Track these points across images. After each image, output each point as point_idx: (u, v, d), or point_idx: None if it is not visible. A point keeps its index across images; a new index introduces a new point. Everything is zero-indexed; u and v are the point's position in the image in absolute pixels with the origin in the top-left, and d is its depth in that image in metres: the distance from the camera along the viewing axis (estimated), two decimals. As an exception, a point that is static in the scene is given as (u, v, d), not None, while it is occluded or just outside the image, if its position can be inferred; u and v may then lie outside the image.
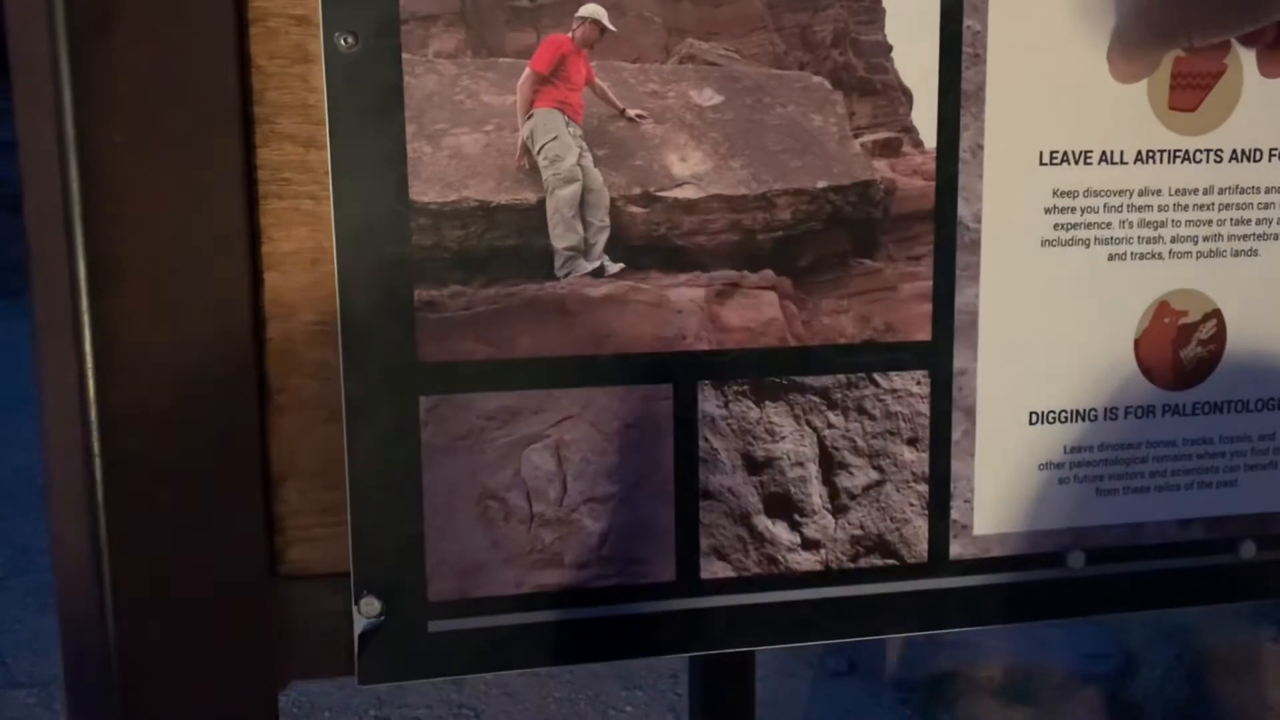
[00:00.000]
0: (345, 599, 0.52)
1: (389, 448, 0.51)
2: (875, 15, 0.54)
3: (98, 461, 0.47)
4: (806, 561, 0.56)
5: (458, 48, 0.50)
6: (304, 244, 0.50)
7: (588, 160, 0.52)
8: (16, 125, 0.47)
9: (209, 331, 0.49)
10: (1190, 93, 0.57)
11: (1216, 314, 0.59)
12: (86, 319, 0.45)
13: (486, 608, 0.53)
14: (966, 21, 0.54)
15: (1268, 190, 0.58)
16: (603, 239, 0.53)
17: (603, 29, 0.51)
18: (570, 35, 0.51)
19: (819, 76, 0.54)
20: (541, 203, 0.52)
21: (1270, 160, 0.58)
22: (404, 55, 0.49)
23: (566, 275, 0.52)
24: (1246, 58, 0.57)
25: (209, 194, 0.48)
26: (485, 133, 0.51)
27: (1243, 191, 0.58)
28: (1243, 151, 0.58)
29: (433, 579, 0.52)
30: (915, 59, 0.54)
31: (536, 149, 0.51)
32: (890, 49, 0.54)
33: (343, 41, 0.49)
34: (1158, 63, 0.53)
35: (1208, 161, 0.57)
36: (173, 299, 0.48)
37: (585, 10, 0.51)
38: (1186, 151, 0.57)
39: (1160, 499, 0.59)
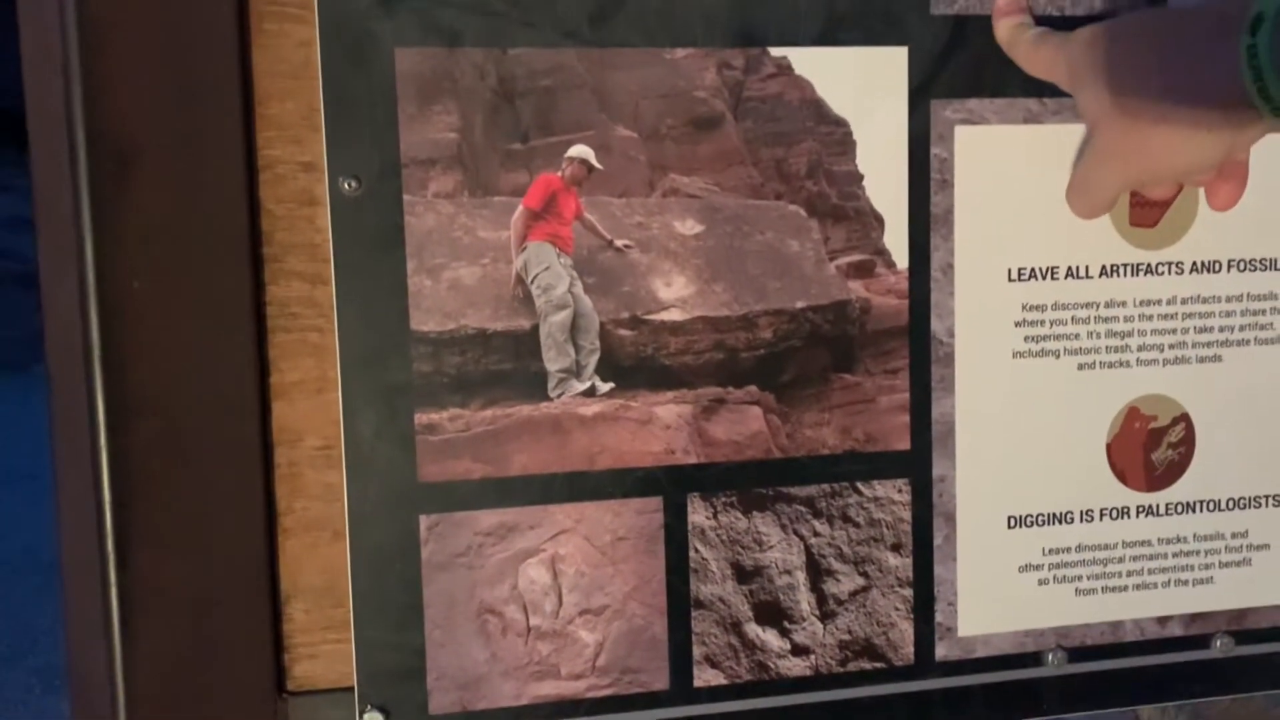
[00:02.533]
0: (350, 713, 0.53)
1: (391, 565, 0.54)
2: (846, 147, 0.57)
3: (114, 587, 0.50)
4: (797, 667, 0.58)
5: (455, 188, 0.53)
6: (310, 374, 0.53)
7: (578, 288, 0.55)
8: (40, 270, 0.50)
9: (219, 459, 0.52)
10: (1149, 210, 0.60)
11: (1185, 418, 0.61)
12: (105, 454, 0.48)
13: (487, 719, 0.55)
14: (934, 150, 0.58)
15: (1227, 299, 0.61)
16: (594, 361, 0.55)
17: (590, 168, 0.55)
18: (560, 174, 0.54)
19: (795, 205, 0.57)
20: (535, 329, 0.55)
21: (1229, 271, 0.61)
22: (405, 196, 0.53)
23: (560, 395, 0.55)
24: (1202, 175, 0.60)
25: (221, 331, 0.51)
26: (482, 265, 0.54)
27: (1204, 301, 0.61)
28: (1202, 263, 0.61)
29: (434, 692, 0.54)
30: (886, 186, 0.57)
31: (530, 279, 0.54)
32: (861, 178, 0.57)
33: (347, 185, 0.52)
34: (1114, 202, 0.56)
35: (1169, 274, 0.60)
36: (186, 431, 0.51)
37: (574, 151, 0.54)
38: (1149, 265, 0.60)
39: (1138, 597, 0.61)
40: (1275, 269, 0.61)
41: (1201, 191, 0.60)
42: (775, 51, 0.56)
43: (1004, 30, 0.57)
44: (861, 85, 0.57)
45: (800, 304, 0.57)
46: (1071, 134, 0.58)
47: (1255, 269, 0.61)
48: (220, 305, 0.51)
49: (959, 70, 0.57)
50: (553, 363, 0.55)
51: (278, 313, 0.53)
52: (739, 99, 0.56)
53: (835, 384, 0.58)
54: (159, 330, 0.50)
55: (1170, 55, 0.49)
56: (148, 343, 0.49)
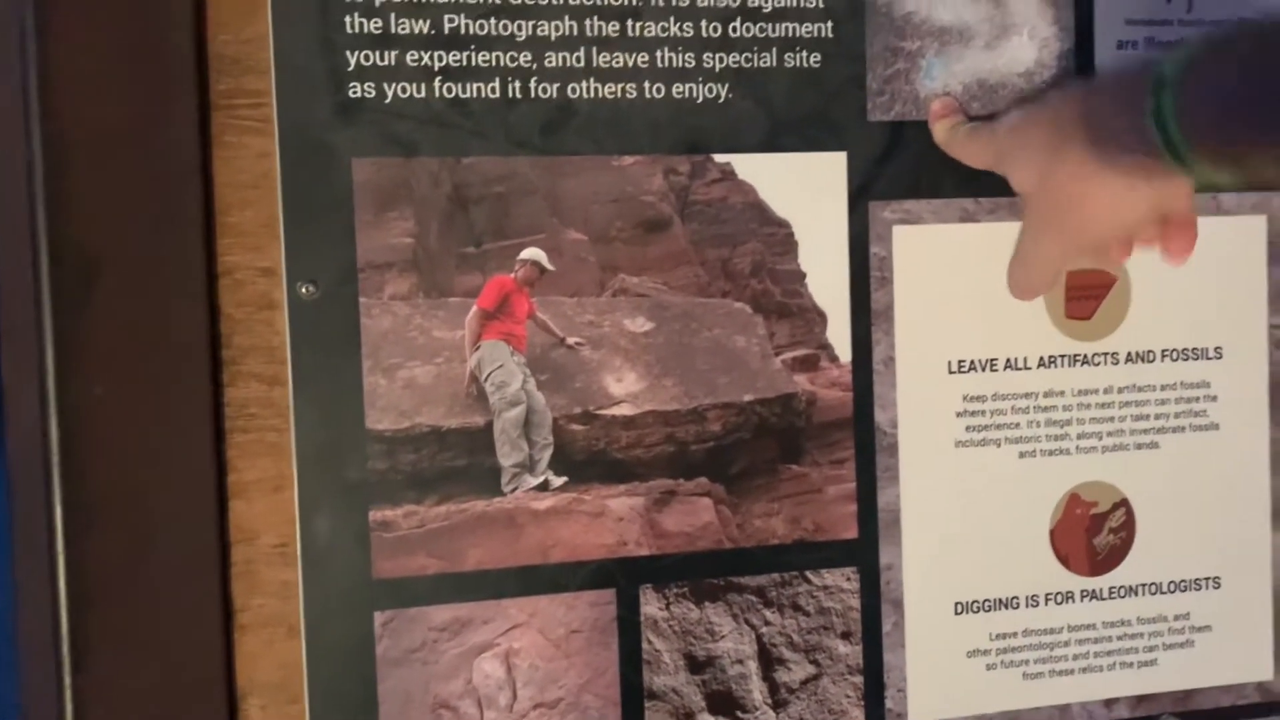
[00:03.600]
0: (304, 810, 0.54)
1: (346, 661, 0.54)
2: (789, 247, 0.59)
3: (69, 689, 0.50)
4: (749, 756, 0.59)
5: (411, 290, 0.55)
6: (267, 473, 0.54)
7: (531, 384, 0.57)
8: (3, 376, 0.51)
9: (177, 559, 0.53)
10: (1085, 303, 0.62)
11: (1125, 503, 0.63)
12: (62, 560, 0.49)
13: (440, 815, 0.55)
14: (873, 249, 0.60)
15: (1162, 387, 0.63)
16: (547, 455, 0.57)
17: (542, 269, 0.57)
18: (513, 276, 0.56)
19: (741, 303, 0.59)
20: (489, 425, 0.56)
21: (1162, 360, 0.63)
22: (361, 299, 0.55)
23: (513, 490, 0.56)
24: (1135, 269, 0.62)
25: (180, 433, 0.52)
26: (436, 364, 0.56)
27: (1140, 390, 0.63)
28: (1137, 353, 0.63)
29: (388, 789, 0.55)
30: (828, 283, 0.60)
31: (484, 377, 0.56)
32: (804, 276, 0.59)
33: (304, 290, 0.54)
34: (1054, 280, 0.59)
35: (1106, 364, 0.63)
36: (144, 531, 0.52)
37: (526, 254, 0.56)
38: (1085, 356, 0.62)
39: (1085, 680, 0.63)
40: (1207, 358, 0.64)
41: (1135, 281, 0.62)
42: (719, 158, 0.58)
43: (940, 131, 0.59)
44: (802, 188, 0.59)
45: (748, 397, 0.59)
46: (1006, 231, 0.61)
47: (1188, 358, 0.64)
48: (179, 408, 0.52)
49: (896, 173, 0.60)
50: (506, 458, 0.56)
51: (236, 414, 0.54)
52: (685, 203, 0.58)
53: (783, 475, 0.59)
54: (118, 434, 0.51)
55: (1089, 123, 0.51)
56: (107, 446, 0.51)
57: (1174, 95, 0.46)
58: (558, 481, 0.57)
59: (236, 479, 0.54)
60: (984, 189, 0.61)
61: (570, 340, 0.57)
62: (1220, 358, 0.64)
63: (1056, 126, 0.53)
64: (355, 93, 0.54)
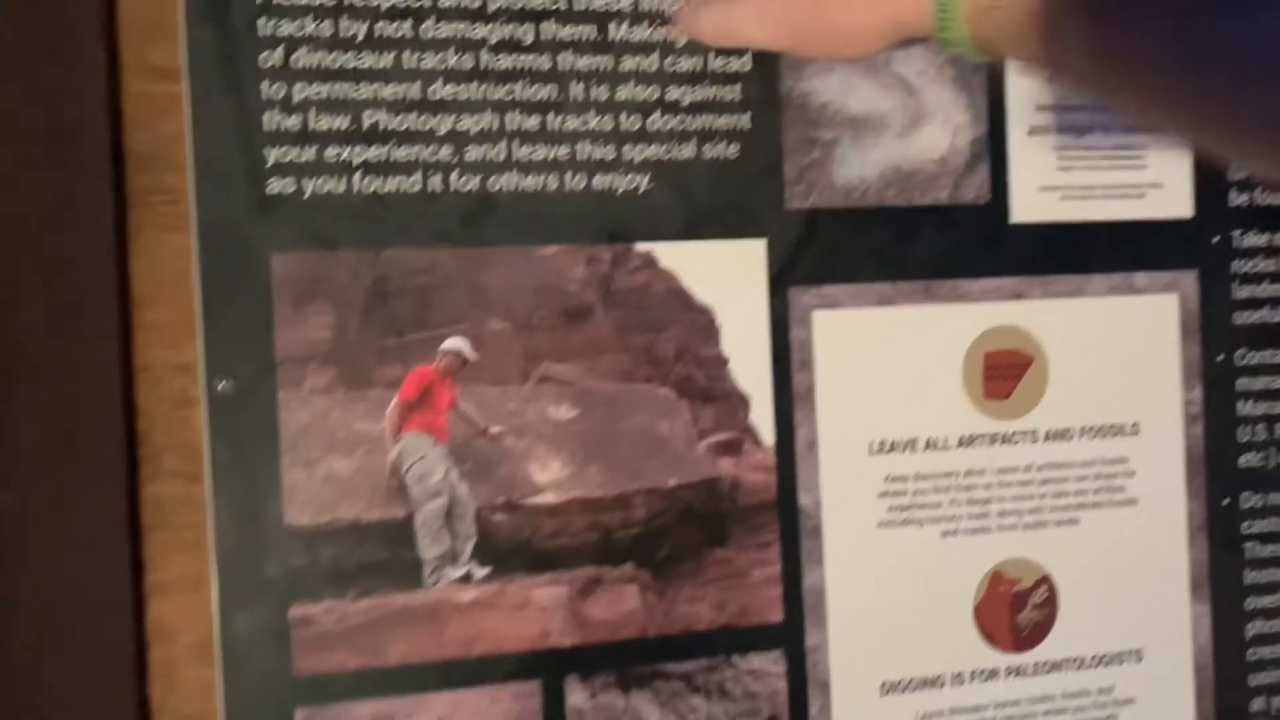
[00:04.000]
0: None
1: (266, 761, 0.54)
2: (712, 332, 0.60)
3: (-25, 801, 0.49)
4: (677, 845, 0.58)
5: (331, 383, 0.55)
6: (185, 571, 0.54)
7: (454, 475, 0.57)
8: (-88, 479, 0.50)
9: (94, 659, 0.52)
10: (1003, 382, 0.63)
11: (1046, 579, 0.64)
12: (-33, 669, 0.48)
13: None
14: (794, 333, 0.61)
15: (1081, 464, 0.64)
16: (469, 546, 0.57)
17: (465, 359, 0.57)
18: (435, 366, 0.57)
19: (665, 388, 0.59)
20: (410, 517, 0.56)
21: (1080, 438, 0.64)
22: (280, 393, 0.54)
23: (436, 583, 0.56)
24: (1052, 348, 0.64)
25: (96, 533, 0.52)
26: (356, 457, 0.56)
27: (1059, 467, 0.64)
28: (1055, 431, 0.64)
29: None
30: (750, 368, 0.60)
31: (405, 469, 0.56)
32: (727, 360, 0.60)
33: (222, 385, 0.54)
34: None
35: (1025, 442, 0.64)
36: (60, 634, 0.51)
37: (449, 344, 0.57)
38: (1005, 434, 0.63)
39: (1012, 758, 0.63)
40: (1124, 434, 0.65)
41: (1052, 361, 0.64)
42: (641, 246, 0.59)
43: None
44: (723, 275, 0.60)
45: (672, 483, 0.59)
46: (923, 314, 0.62)
47: (1106, 435, 0.65)
48: (96, 507, 0.52)
49: (814, 258, 0.61)
50: (428, 550, 0.56)
51: (153, 511, 0.54)
52: (608, 291, 0.59)
53: (708, 559, 0.60)
54: (34, 533, 0.50)
55: None
56: (23, 545, 0.50)
57: None
58: (481, 573, 0.57)
59: (154, 578, 0.54)
60: (901, 273, 0.62)
61: (493, 429, 0.57)
62: (1137, 433, 0.65)
63: None
64: (274, 188, 0.54)
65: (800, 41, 0.51)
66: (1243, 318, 0.67)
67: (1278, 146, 0.32)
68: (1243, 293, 0.67)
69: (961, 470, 0.63)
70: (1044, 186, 0.64)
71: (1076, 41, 0.37)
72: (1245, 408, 0.67)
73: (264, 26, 0.54)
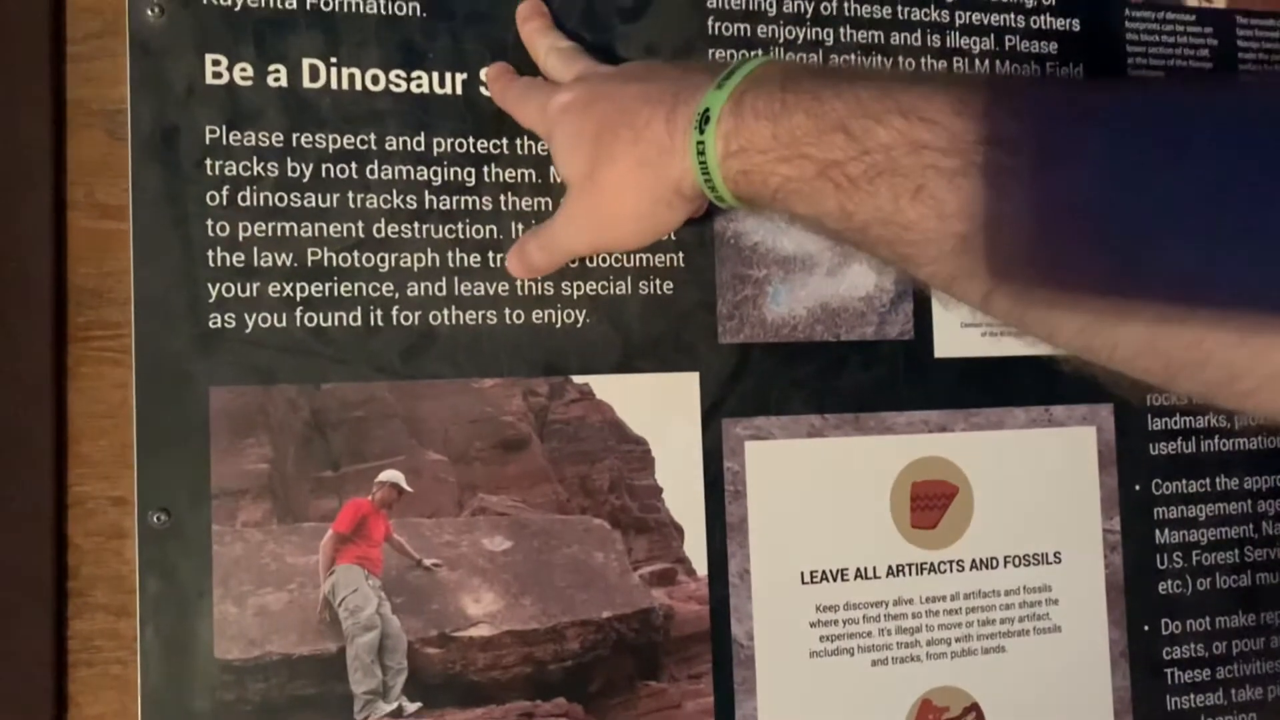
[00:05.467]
0: None
1: None
2: (646, 463, 0.61)
3: None
4: None
5: (265, 516, 0.55)
6: (111, 707, 0.53)
7: (386, 608, 0.57)
8: None
9: (6, 803, 0.51)
10: (929, 513, 0.65)
11: (975, 707, 0.65)
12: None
13: None
14: (727, 464, 0.62)
15: (1006, 593, 0.66)
16: (401, 680, 0.57)
17: (400, 491, 0.58)
18: (370, 498, 0.57)
19: (599, 519, 0.60)
20: (342, 651, 0.56)
21: (1005, 566, 0.66)
22: (214, 526, 0.55)
23: (366, 718, 0.56)
24: (976, 479, 0.66)
25: (18, 669, 0.51)
26: (289, 591, 0.56)
27: (985, 595, 0.66)
28: (981, 560, 0.66)
29: None
30: (684, 498, 0.62)
31: (337, 602, 0.56)
32: (661, 491, 0.61)
33: (156, 519, 0.54)
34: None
35: (951, 571, 0.65)
36: (-29, 776, 0.50)
37: (384, 476, 0.57)
38: (932, 564, 0.65)
39: None
40: (1046, 563, 0.67)
41: (976, 492, 0.66)
42: (577, 379, 0.61)
43: (526, 34, 0.59)
44: (658, 407, 0.62)
45: (606, 614, 0.60)
46: (851, 445, 0.64)
47: (1029, 564, 0.67)
48: (20, 643, 0.51)
49: (746, 391, 0.63)
50: (359, 685, 0.56)
51: (80, 647, 0.53)
52: (544, 422, 0.60)
53: (642, 691, 0.60)
54: (-51, 675, 0.50)
55: (633, 136, 0.49)
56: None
57: (715, 132, 0.45)
58: (411, 708, 0.57)
59: (77, 714, 0.53)
60: (830, 406, 0.64)
61: (427, 561, 0.58)
62: (1060, 562, 0.67)
63: (601, 132, 0.50)
64: (215, 323, 0.55)
65: (614, 238, 0.54)
66: (1158, 449, 0.70)
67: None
68: (1157, 425, 0.70)
69: (890, 599, 0.64)
70: (965, 323, 0.66)
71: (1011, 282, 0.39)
72: (1163, 536, 0.69)
73: (211, 166, 0.56)
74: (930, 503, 0.65)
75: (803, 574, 0.63)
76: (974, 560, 0.66)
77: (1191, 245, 0.33)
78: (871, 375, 0.65)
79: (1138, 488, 0.69)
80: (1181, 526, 0.70)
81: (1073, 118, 0.37)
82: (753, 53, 0.46)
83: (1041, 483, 0.67)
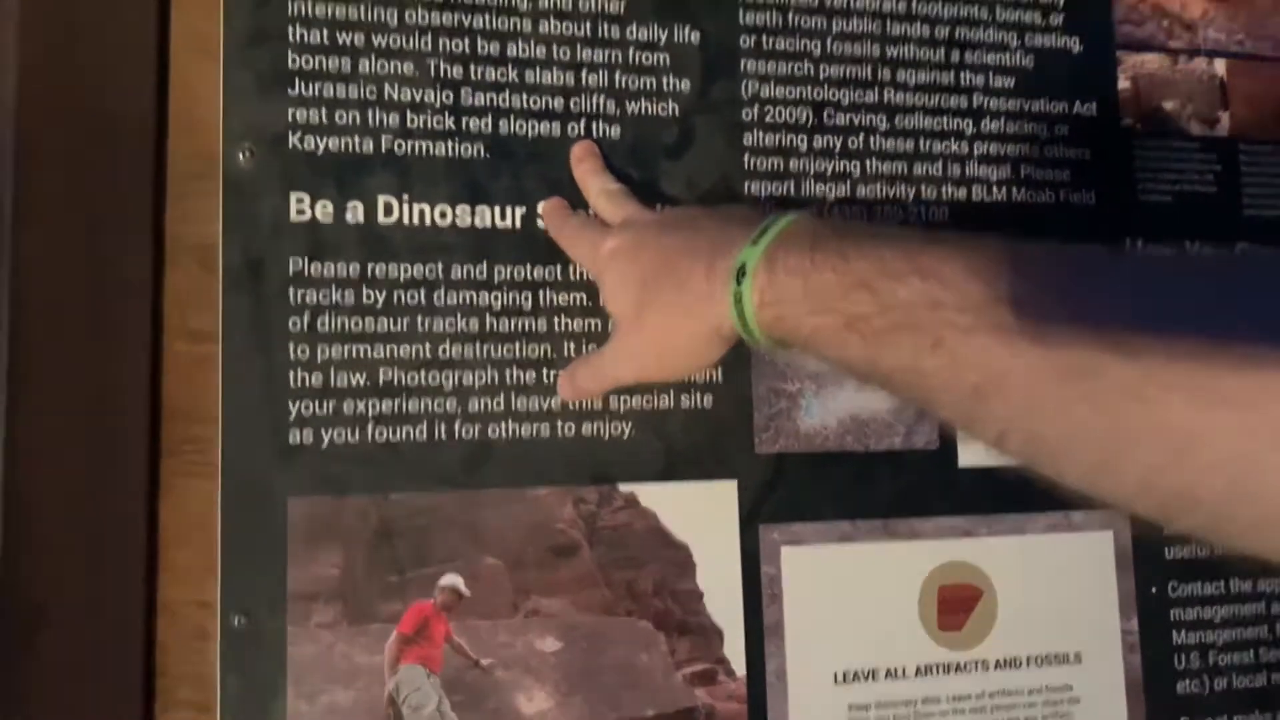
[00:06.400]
0: None
1: None
2: (688, 568, 0.65)
3: None
4: None
5: (336, 618, 0.60)
6: (191, 800, 0.57)
7: (445, 706, 0.61)
8: (-59, 712, 0.54)
9: None
10: (955, 615, 0.69)
11: (1002, 804, 0.68)
12: None
13: None
14: (764, 568, 0.66)
15: (1030, 692, 0.69)
16: (459, 775, 0.60)
17: (460, 594, 0.62)
18: (433, 601, 0.61)
19: (644, 621, 0.64)
20: (405, 747, 0.60)
21: (1028, 666, 0.69)
22: (289, 628, 0.59)
23: (426, 811, 0.59)
24: (999, 582, 0.69)
25: (107, 764, 0.55)
26: (357, 689, 0.60)
27: (1009, 694, 0.69)
28: (1005, 660, 0.69)
29: None
30: (723, 601, 0.65)
31: (401, 700, 0.60)
32: (702, 595, 0.65)
33: (237, 621, 0.58)
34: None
35: (976, 671, 0.69)
36: None
37: (445, 580, 0.62)
38: (958, 664, 0.68)
39: None
40: (1067, 663, 0.70)
41: (1000, 595, 0.69)
42: (623, 488, 0.65)
43: (580, 174, 0.65)
44: (699, 514, 0.66)
45: (650, 712, 0.63)
46: (881, 550, 0.68)
47: (1051, 664, 0.70)
48: (110, 739, 0.55)
49: (782, 499, 0.67)
50: (421, 779, 0.60)
51: (165, 741, 0.57)
52: (593, 529, 0.64)
53: (683, 786, 0.63)
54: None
55: (677, 284, 0.54)
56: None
57: (752, 284, 0.50)
58: (469, 800, 0.60)
59: (159, 807, 0.57)
60: (861, 512, 0.68)
61: (484, 662, 0.62)
62: (1080, 662, 0.70)
63: (647, 276, 0.55)
64: (295, 439, 0.60)
65: (659, 371, 0.60)
66: (1173, 552, 0.73)
67: None
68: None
69: (919, 698, 0.67)
70: (987, 435, 0.70)
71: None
72: (1180, 637, 0.73)
73: (294, 295, 0.61)
74: (956, 605, 0.69)
75: (836, 674, 0.66)
76: (998, 660, 0.69)
77: (1182, 403, 0.37)
78: (899, 483, 0.69)
79: (1154, 590, 0.72)
80: (1198, 628, 0.73)
81: (1073, 281, 0.42)
82: (785, 213, 0.51)
83: (1062, 585, 0.71)
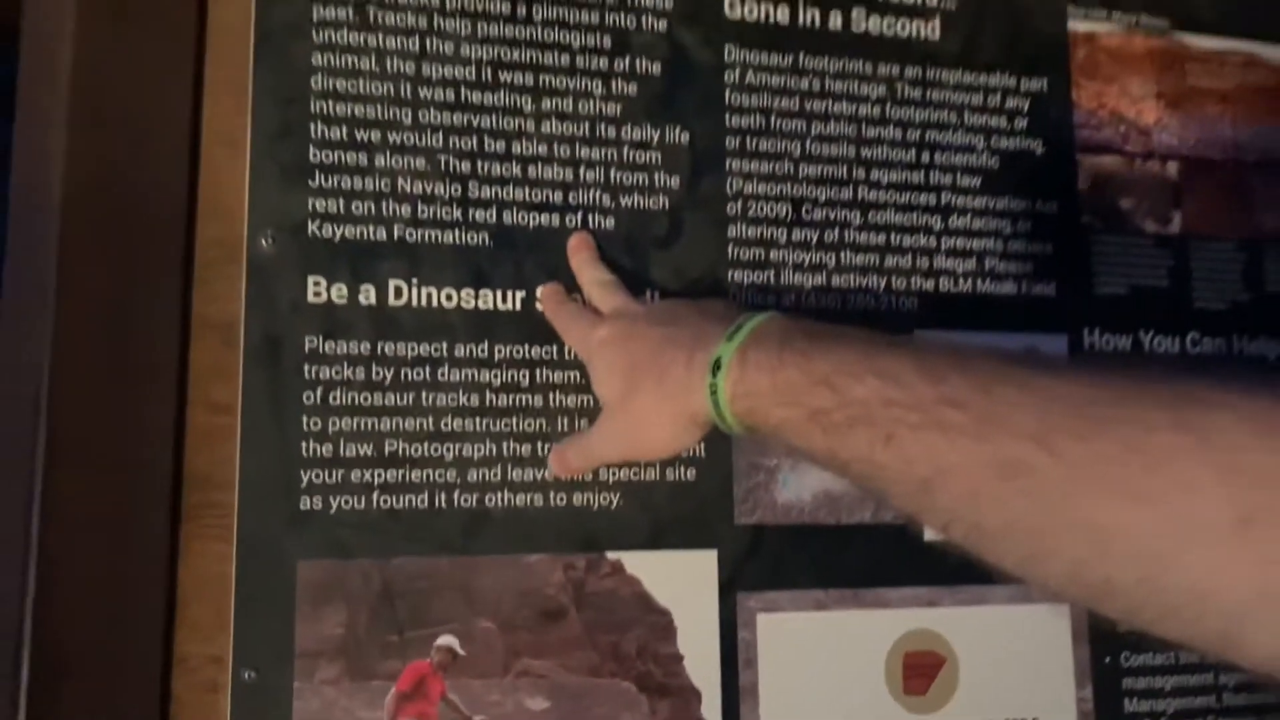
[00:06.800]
0: None
1: None
2: (669, 632, 0.70)
3: None
4: None
5: (339, 675, 0.64)
6: (197, 846, 0.61)
7: (440, 760, 0.65)
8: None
9: None
10: (920, 680, 0.73)
11: None
12: None
13: None
14: (740, 634, 0.71)
15: (989, 755, 0.73)
16: (450, 826, 0.64)
17: (455, 654, 0.66)
18: (430, 661, 0.65)
19: (627, 682, 0.68)
20: (400, 798, 0.63)
21: (988, 730, 0.74)
22: (295, 683, 0.63)
23: None
24: (962, 650, 0.74)
25: (121, 810, 0.59)
26: (357, 743, 0.63)
27: (971, 757, 0.73)
28: (966, 724, 0.73)
29: None
30: (702, 665, 0.70)
31: (398, 753, 0.64)
32: (682, 658, 0.70)
33: (247, 675, 0.62)
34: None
35: (940, 734, 0.73)
36: None
37: (442, 641, 0.66)
38: (922, 727, 0.73)
39: None
40: (1026, 728, 0.74)
41: (962, 660, 0.74)
42: (610, 555, 0.69)
43: (575, 263, 0.70)
44: (680, 581, 0.70)
45: (631, 768, 0.67)
46: (852, 618, 0.72)
47: (1010, 728, 0.74)
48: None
49: (759, 568, 0.72)
50: (414, 829, 0.63)
51: (176, 791, 0.61)
52: (581, 594, 0.69)
53: (661, 840, 0.67)
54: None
55: (660, 374, 0.59)
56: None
57: (725, 377, 0.55)
58: None
59: None
60: (833, 582, 0.73)
61: (476, 719, 0.66)
62: (1038, 727, 0.75)
63: (634, 366, 0.61)
64: (306, 505, 0.65)
65: (641, 452, 0.65)
66: (1126, 625, 0.78)
67: None
68: (1125, 601, 0.78)
69: (886, 760, 0.72)
70: (952, 510, 0.75)
71: None
72: (1132, 705, 0.77)
73: (308, 371, 0.66)
74: (921, 671, 0.73)
75: (806, 735, 0.71)
76: (961, 724, 0.73)
77: (1102, 502, 0.42)
78: (869, 555, 0.74)
79: (1108, 660, 0.77)
80: (1149, 697, 0.77)
81: (1013, 386, 0.47)
82: (757, 313, 0.57)
83: (1020, 654, 0.75)
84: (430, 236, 0.69)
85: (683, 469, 0.72)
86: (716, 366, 0.55)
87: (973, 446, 0.45)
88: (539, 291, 0.70)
